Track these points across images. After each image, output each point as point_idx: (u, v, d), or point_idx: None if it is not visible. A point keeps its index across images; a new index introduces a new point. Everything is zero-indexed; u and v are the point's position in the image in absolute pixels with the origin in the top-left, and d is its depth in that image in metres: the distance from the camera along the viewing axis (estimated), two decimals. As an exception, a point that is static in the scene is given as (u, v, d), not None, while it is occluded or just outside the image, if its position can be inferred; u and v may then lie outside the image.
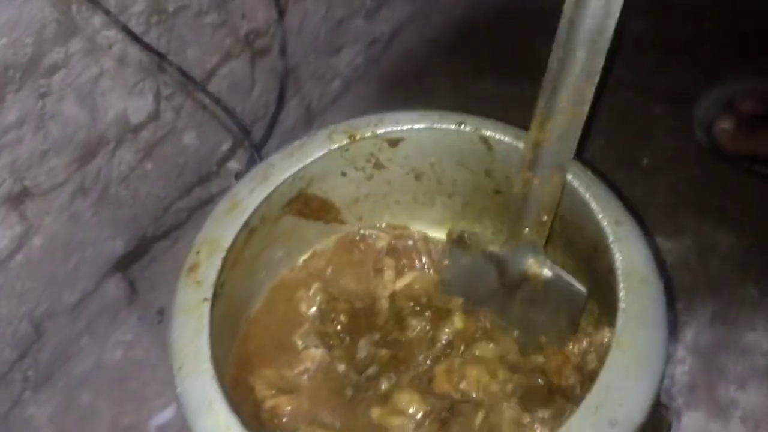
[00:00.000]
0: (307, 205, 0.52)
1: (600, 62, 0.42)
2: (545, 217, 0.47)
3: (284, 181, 0.49)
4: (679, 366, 0.58)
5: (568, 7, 0.42)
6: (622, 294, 0.41)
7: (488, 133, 0.50)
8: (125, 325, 0.65)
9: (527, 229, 0.48)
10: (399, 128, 0.51)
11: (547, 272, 0.48)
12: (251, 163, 0.65)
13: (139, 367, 0.62)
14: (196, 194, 0.68)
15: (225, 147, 0.68)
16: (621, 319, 0.40)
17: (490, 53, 0.84)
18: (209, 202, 0.69)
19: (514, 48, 0.83)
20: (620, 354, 0.39)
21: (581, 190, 0.46)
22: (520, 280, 0.50)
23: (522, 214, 0.48)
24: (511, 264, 0.49)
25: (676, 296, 0.62)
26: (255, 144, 0.67)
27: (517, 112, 0.76)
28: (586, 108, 0.44)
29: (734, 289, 0.62)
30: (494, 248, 0.50)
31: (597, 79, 0.43)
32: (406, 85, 0.82)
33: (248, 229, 0.48)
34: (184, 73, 0.57)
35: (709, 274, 0.63)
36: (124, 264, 0.63)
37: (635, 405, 0.38)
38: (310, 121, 0.78)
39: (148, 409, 0.60)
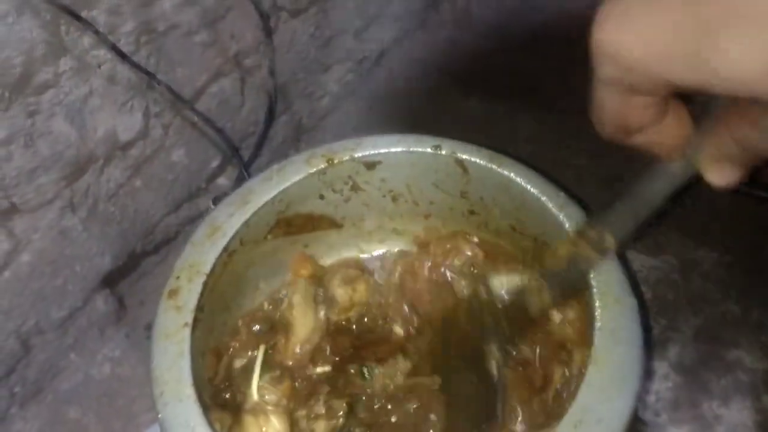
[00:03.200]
0: (290, 225, 0.52)
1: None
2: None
3: (264, 205, 0.50)
4: (663, 382, 0.59)
5: None
6: (597, 313, 0.42)
7: (464, 156, 0.51)
8: (113, 341, 0.65)
9: None
10: (376, 151, 0.52)
11: None
12: (240, 180, 0.66)
13: (126, 383, 0.62)
14: (186, 210, 0.68)
15: (214, 164, 0.69)
16: (597, 337, 0.41)
17: (476, 73, 0.85)
18: (198, 218, 0.69)
19: (500, 69, 0.85)
20: (597, 372, 0.39)
21: (555, 211, 0.48)
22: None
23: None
24: None
25: (659, 313, 0.63)
26: (244, 161, 0.68)
27: (502, 132, 0.78)
28: None
29: (717, 306, 0.63)
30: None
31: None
32: (394, 102, 0.83)
33: (227, 253, 0.48)
34: (173, 92, 0.58)
35: (692, 291, 0.64)
36: (112, 280, 0.64)
37: (613, 422, 0.39)
38: (299, 138, 0.79)
39: (136, 426, 0.60)
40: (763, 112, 0.25)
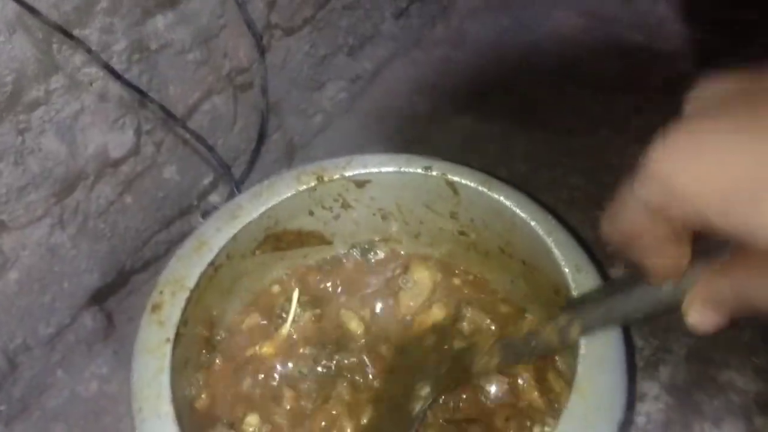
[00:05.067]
0: (279, 241, 0.52)
1: None
2: None
3: (251, 221, 0.50)
4: (655, 403, 0.59)
5: None
6: (582, 339, 0.41)
7: (454, 178, 0.51)
8: (101, 358, 0.64)
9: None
10: (366, 171, 0.52)
11: None
12: (231, 197, 0.66)
13: (114, 401, 0.62)
14: (176, 228, 0.68)
15: (206, 181, 0.69)
16: (581, 365, 0.41)
17: (470, 91, 0.86)
18: (189, 235, 0.69)
19: (493, 86, 0.85)
20: (580, 400, 0.39)
21: (544, 236, 0.48)
22: None
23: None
24: None
25: (651, 333, 0.63)
26: (236, 179, 0.68)
27: (495, 149, 0.78)
28: None
29: (709, 327, 0.63)
30: None
31: None
32: (388, 121, 0.84)
33: (213, 267, 0.48)
34: (165, 110, 0.58)
35: (684, 311, 0.64)
36: (101, 296, 0.63)
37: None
38: (292, 156, 0.79)
39: (122, 444, 0.59)
40: None
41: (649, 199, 0.27)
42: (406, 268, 0.57)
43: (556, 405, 0.46)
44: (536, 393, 0.46)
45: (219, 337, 0.51)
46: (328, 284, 0.55)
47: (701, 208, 0.26)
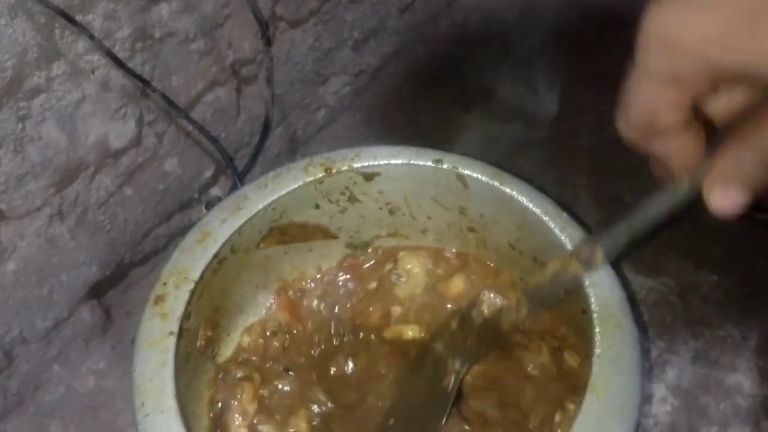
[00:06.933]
0: (284, 234, 0.51)
1: None
2: None
3: (257, 213, 0.49)
4: (661, 406, 0.58)
5: None
6: (597, 339, 0.41)
7: (465, 171, 0.50)
8: (98, 353, 0.63)
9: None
10: (375, 163, 0.51)
11: None
12: (234, 190, 0.65)
13: (111, 396, 0.61)
14: (177, 221, 0.67)
15: (207, 174, 0.68)
16: (596, 365, 0.40)
17: (474, 88, 0.85)
18: (190, 228, 0.68)
19: (498, 83, 0.84)
20: (595, 400, 0.38)
21: (557, 231, 0.47)
22: None
23: None
24: None
25: (658, 335, 0.62)
26: (238, 172, 0.67)
27: (500, 149, 0.77)
28: None
29: (715, 330, 0.62)
30: None
31: None
32: (391, 116, 0.83)
33: (218, 260, 0.47)
34: (167, 100, 0.57)
35: (691, 314, 0.63)
36: (99, 290, 0.62)
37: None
38: (295, 150, 0.78)
39: (119, 440, 0.58)
40: None
41: (651, 65, 0.28)
42: (396, 262, 0.56)
43: (574, 383, 0.45)
44: (555, 371, 0.45)
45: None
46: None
47: (706, 54, 0.26)
